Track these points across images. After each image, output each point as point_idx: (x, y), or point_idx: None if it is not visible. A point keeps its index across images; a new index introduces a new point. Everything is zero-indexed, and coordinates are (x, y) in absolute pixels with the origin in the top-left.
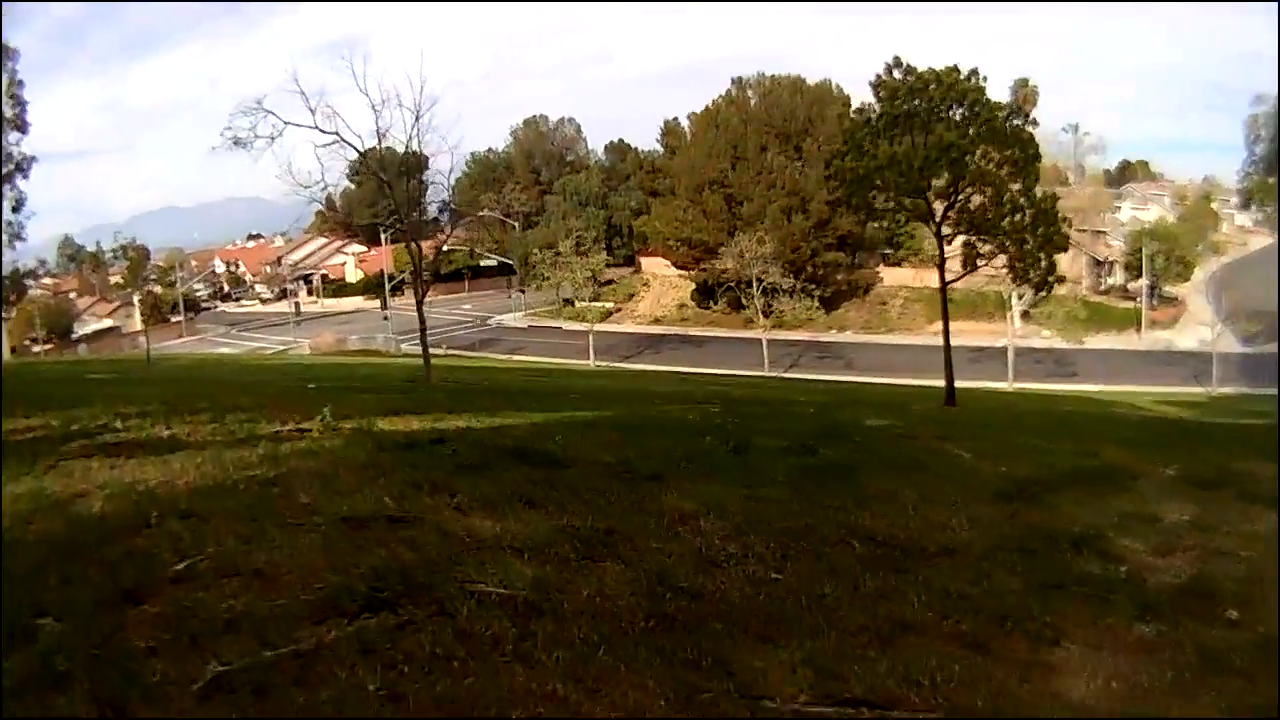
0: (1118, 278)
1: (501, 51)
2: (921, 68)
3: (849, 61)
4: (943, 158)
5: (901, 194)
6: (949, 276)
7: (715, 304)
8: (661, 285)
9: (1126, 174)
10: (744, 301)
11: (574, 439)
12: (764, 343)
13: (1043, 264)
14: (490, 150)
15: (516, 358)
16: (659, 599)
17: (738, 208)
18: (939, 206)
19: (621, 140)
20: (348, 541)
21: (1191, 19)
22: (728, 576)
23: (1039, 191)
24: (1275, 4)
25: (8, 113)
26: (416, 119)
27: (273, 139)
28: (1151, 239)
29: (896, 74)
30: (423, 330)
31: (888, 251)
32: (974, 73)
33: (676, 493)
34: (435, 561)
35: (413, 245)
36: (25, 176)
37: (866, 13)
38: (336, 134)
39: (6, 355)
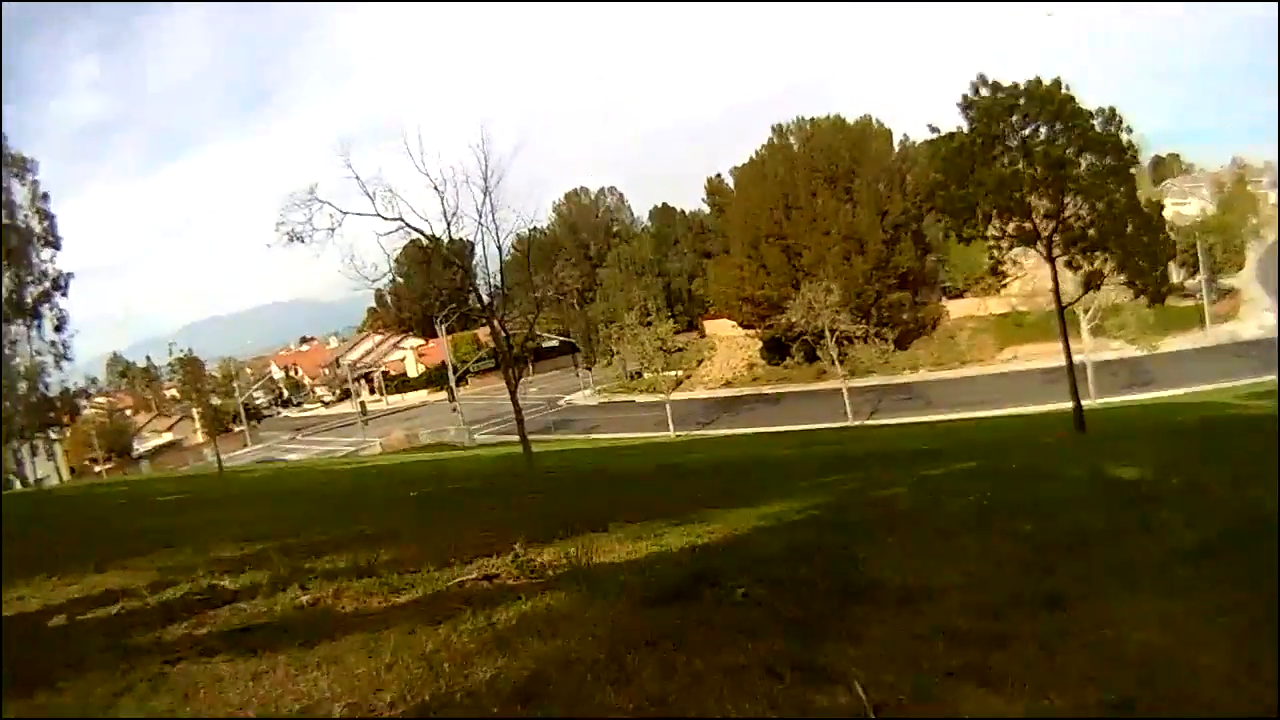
0: (1174, 276)
1: (514, 133)
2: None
3: (873, 89)
4: (1050, 174)
5: (1008, 218)
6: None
7: (790, 358)
8: (728, 347)
9: (1159, 170)
10: (818, 353)
11: (862, 551)
12: (844, 392)
13: (1155, 274)
14: (534, 229)
15: (595, 436)
16: None
17: (796, 259)
18: (1044, 227)
19: (665, 204)
20: None
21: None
22: None
23: (1141, 198)
24: (1275, 4)
25: (36, 228)
26: (486, 194)
27: (332, 230)
28: (1205, 232)
29: (984, 92)
30: (519, 419)
31: (947, 285)
32: (1057, 81)
33: (1121, 620)
34: None
35: (495, 325)
36: (64, 294)
37: (873, 35)
38: (400, 219)
39: (65, 475)
